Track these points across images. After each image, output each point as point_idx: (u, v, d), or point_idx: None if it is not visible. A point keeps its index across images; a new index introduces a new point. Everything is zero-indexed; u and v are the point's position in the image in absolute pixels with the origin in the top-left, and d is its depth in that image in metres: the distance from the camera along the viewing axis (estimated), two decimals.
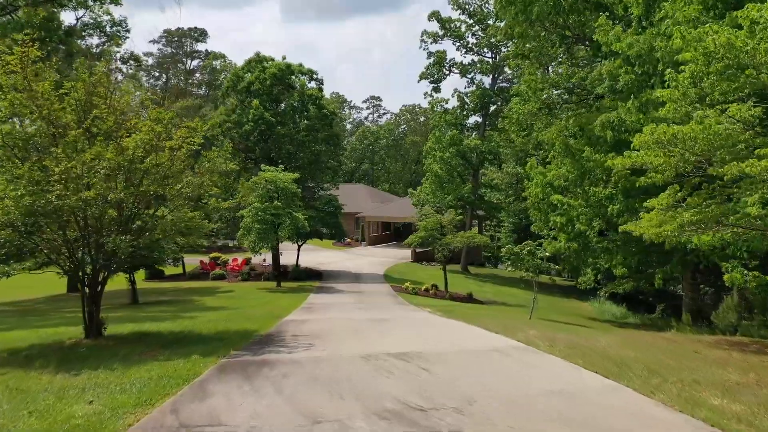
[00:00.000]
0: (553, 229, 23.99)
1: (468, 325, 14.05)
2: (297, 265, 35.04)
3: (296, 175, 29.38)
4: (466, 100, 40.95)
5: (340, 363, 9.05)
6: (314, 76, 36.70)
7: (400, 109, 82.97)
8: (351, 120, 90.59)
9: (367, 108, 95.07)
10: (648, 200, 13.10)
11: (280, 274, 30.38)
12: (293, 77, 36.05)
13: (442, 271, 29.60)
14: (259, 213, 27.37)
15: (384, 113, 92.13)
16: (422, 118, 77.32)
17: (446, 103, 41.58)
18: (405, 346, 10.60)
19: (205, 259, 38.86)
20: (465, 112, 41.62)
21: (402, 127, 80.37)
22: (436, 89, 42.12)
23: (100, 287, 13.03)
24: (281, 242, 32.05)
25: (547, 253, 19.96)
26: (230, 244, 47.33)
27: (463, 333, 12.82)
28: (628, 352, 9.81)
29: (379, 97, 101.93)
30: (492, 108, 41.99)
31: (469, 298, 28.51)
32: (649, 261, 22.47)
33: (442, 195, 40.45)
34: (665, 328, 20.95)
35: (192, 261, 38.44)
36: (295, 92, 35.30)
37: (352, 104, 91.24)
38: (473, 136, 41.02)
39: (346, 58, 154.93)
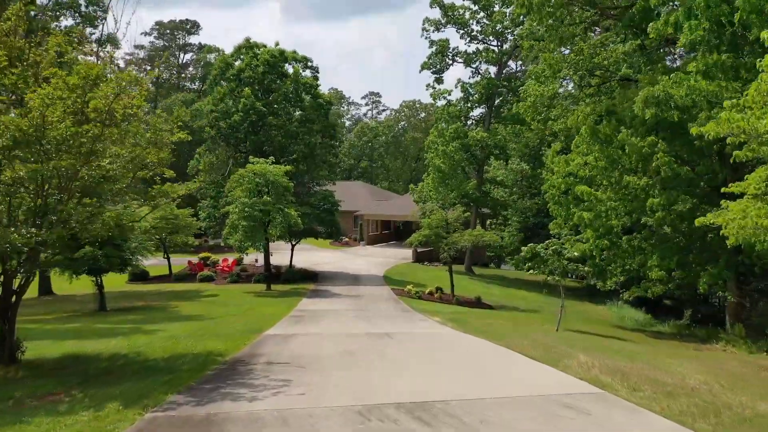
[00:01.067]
0: (578, 226, 20.66)
1: (495, 346, 10.64)
2: (291, 265, 31.63)
3: (288, 167, 25.95)
4: (471, 91, 37.47)
5: (322, 426, 5.65)
6: (309, 64, 33.27)
7: (400, 105, 78.57)
8: (349, 116, 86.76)
9: (366, 104, 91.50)
10: (733, 185, 9.69)
11: (270, 276, 26.92)
12: (286, 65, 32.63)
13: (448, 273, 26.26)
14: (246, 209, 23.91)
15: (383, 110, 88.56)
16: (422, 114, 73.41)
17: (449, 94, 38.06)
18: (421, 387, 7.21)
19: (194, 259, 35.42)
20: (469, 104, 38.10)
21: (402, 123, 76.46)
22: (439, 80, 38.63)
23: (15, 298, 9.63)
24: (273, 241, 28.69)
25: (576, 253, 16.54)
26: (222, 244, 43.81)
27: (494, 360, 9.40)
28: (755, 400, 6.43)
29: (378, 93, 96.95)
30: (498, 100, 38.51)
31: (477, 303, 25.11)
32: (688, 262, 19.06)
33: (445, 191, 37.00)
34: (709, 340, 17.55)
35: (180, 261, 34.99)
36: (288, 80, 31.85)
37: (350, 100, 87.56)
38: (478, 129, 37.58)
39: (347, 59, 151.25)
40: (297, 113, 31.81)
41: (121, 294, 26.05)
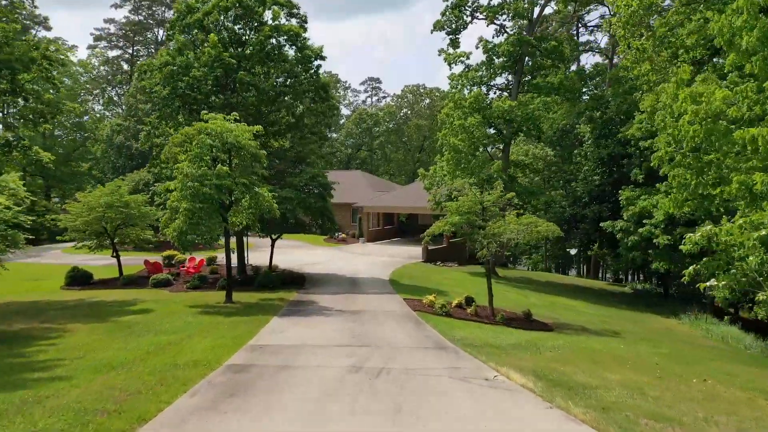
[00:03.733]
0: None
1: None
2: (270, 267, 22.70)
3: (258, 127, 16.96)
4: (495, 51, 28.60)
5: None
6: (294, 11, 24.27)
7: (402, 90, 67.76)
8: (347, 103, 76.11)
9: (365, 91, 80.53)
10: None
11: (231, 282, 17.71)
12: (266, 12, 23.59)
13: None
14: (191, 183, 14.91)
15: (384, 96, 78.03)
16: (427, 101, 63.79)
17: (467, 57, 29.14)
18: None
19: (155, 258, 26.46)
20: (492, 69, 29.29)
21: (404, 110, 66.68)
22: (454, 43, 29.77)
23: None
24: (241, 232, 19.79)
25: None
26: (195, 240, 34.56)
27: None
28: None
29: (378, 79, 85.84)
30: (528, 63, 29.46)
31: (528, 321, 16.27)
32: None
33: (463, 175, 28.13)
34: None
35: (135, 261, 25.98)
36: (266, 27, 22.82)
37: (347, 85, 76.89)
38: (504, 97, 28.67)
39: (348, 57, 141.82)
40: (279, 67, 22.77)
41: (23, 307, 16.95)
